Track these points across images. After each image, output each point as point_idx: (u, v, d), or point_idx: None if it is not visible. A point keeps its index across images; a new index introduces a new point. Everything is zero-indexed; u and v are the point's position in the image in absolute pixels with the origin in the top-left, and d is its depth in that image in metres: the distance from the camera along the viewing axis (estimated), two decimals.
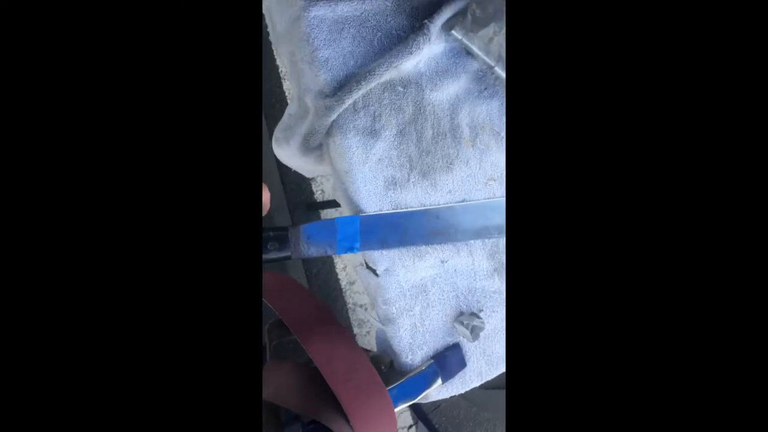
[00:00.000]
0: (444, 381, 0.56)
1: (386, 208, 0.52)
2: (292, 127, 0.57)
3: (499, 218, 0.56)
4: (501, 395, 0.77)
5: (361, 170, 0.50)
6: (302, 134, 0.53)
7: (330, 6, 0.47)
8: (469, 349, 0.58)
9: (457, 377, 0.57)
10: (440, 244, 0.54)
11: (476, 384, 0.59)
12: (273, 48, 0.61)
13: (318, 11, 0.47)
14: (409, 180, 0.53)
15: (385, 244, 0.52)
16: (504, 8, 0.51)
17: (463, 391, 0.59)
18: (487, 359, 0.59)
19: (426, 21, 0.50)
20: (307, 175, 0.68)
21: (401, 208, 0.52)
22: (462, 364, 0.57)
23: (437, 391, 0.56)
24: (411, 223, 0.53)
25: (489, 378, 0.60)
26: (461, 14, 0.52)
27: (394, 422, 0.51)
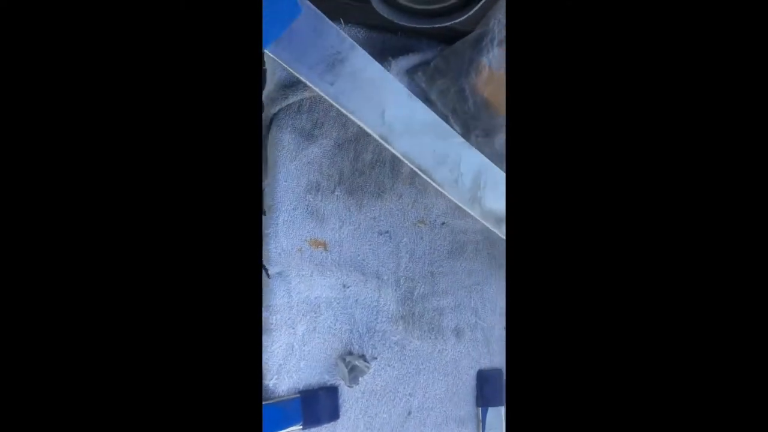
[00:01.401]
0: (306, 427, 0.47)
1: (300, 210, 0.50)
2: None
3: None
4: None
5: (287, 166, 0.51)
6: None
7: None
8: (348, 399, 0.50)
9: (323, 430, 0.48)
10: None
11: None
12: None
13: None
14: (333, 192, 0.52)
15: None
16: (463, 69, 0.54)
17: None
18: (367, 422, 0.50)
19: (390, 57, 0.54)
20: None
21: (317, 216, 0.51)
22: (334, 414, 0.49)
23: None
24: None
25: None
26: (426, 64, 0.56)
27: None
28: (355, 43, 0.39)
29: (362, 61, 0.39)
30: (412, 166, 0.41)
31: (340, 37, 0.39)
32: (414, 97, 0.41)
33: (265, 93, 0.52)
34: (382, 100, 0.40)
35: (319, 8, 0.53)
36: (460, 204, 0.43)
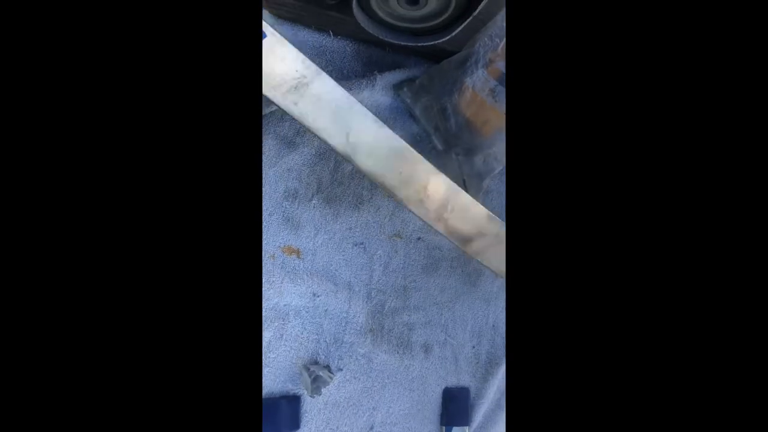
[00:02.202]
0: None
1: (276, 217, 0.50)
2: None
3: None
4: None
5: (266, 172, 0.51)
6: None
7: (293, 30, 0.53)
8: (310, 410, 0.49)
9: None
10: None
11: None
12: None
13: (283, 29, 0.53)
14: (311, 200, 0.52)
15: None
16: (446, 88, 0.55)
17: None
18: None
19: (376, 72, 0.55)
20: None
21: (292, 223, 0.51)
22: (294, 423, 0.48)
23: None
24: None
25: None
26: (412, 80, 0.57)
27: None
28: (320, 69, 0.39)
29: (327, 86, 0.40)
30: (376, 183, 0.41)
31: (306, 63, 0.39)
32: (380, 123, 0.41)
33: None
34: (347, 123, 0.40)
35: (309, 20, 0.53)
36: (424, 220, 0.43)
